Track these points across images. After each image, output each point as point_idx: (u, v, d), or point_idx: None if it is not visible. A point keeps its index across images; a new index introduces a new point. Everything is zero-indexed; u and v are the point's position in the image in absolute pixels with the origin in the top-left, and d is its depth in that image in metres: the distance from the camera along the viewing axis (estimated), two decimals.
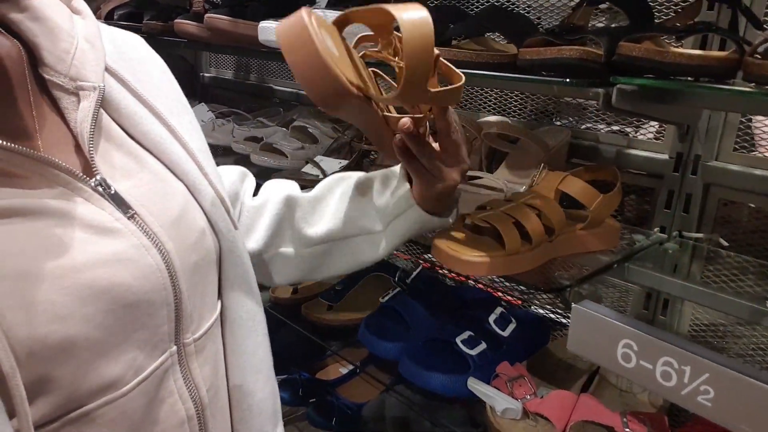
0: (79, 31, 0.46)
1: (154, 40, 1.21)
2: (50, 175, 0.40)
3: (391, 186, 0.66)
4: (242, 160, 1.17)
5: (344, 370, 1.21)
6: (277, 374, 1.19)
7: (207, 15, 0.98)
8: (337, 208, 0.67)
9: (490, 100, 1.13)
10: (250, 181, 0.71)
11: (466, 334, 0.89)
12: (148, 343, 0.43)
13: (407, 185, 0.64)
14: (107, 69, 0.47)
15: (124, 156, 0.46)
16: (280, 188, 0.70)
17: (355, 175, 0.69)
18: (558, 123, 1.04)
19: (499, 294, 1.14)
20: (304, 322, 1.11)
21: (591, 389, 0.89)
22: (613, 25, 0.82)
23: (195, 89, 1.75)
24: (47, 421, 0.38)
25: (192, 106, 1.39)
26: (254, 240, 0.67)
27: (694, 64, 0.56)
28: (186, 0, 1.49)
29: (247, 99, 1.62)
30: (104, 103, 0.46)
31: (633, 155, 0.93)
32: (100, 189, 0.42)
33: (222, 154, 1.25)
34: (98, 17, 1.43)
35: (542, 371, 0.92)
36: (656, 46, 0.61)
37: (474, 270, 0.64)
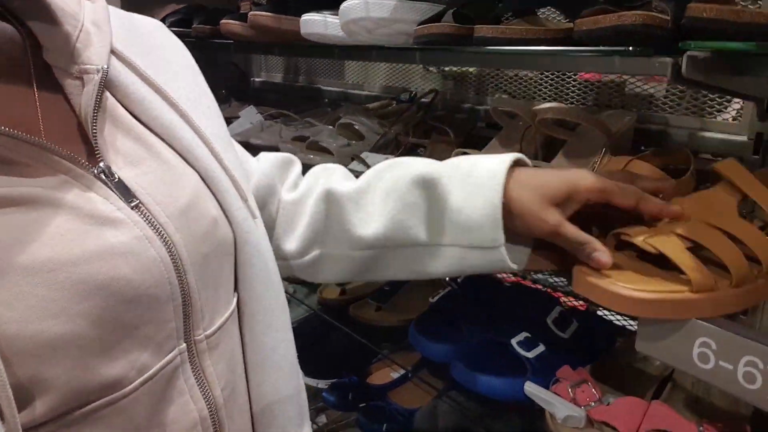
0: (86, 15, 0.45)
1: (203, 44, 1.23)
2: (52, 162, 0.38)
3: (486, 204, 0.53)
4: None
5: (395, 375, 1.17)
6: (326, 378, 1.18)
7: (250, 13, 0.97)
8: (388, 209, 0.57)
9: (545, 89, 1.06)
10: (295, 169, 0.66)
11: (522, 336, 0.83)
12: (152, 340, 0.41)
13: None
14: (114, 52, 0.45)
15: (132, 142, 0.44)
16: (322, 180, 0.63)
17: (415, 165, 0.58)
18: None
19: (560, 296, 1.07)
20: (352, 324, 1.08)
21: (663, 396, 0.81)
22: None
23: (247, 94, 1.77)
24: (45, 421, 0.35)
25: (243, 108, 1.40)
26: (293, 239, 0.63)
27: None
28: (234, 4, 1.51)
29: (297, 101, 1.62)
30: (111, 86, 0.44)
31: (708, 138, 0.85)
32: (104, 177, 0.40)
33: None
34: None
35: (608, 377, 0.85)
36: (729, 5, 0.55)
37: (649, 310, 0.51)
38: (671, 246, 0.53)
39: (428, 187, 0.56)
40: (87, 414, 0.37)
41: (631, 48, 0.55)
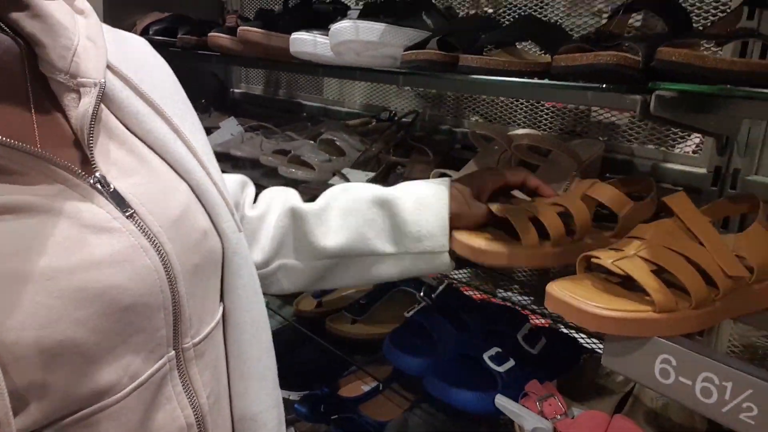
0: (81, 29, 0.46)
1: (186, 54, 1.24)
2: (48, 171, 0.39)
3: (436, 216, 0.67)
4: (270, 173, 1.17)
5: (366, 387, 1.18)
6: (298, 389, 1.19)
7: (240, 27, 0.99)
8: (349, 224, 0.66)
9: (520, 114, 1.11)
10: (250, 189, 0.71)
11: (493, 351, 0.86)
12: (144, 347, 0.42)
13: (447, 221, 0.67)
14: (110, 67, 0.47)
15: (126, 154, 0.45)
16: (283, 198, 0.69)
17: (370, 188, 0.69)
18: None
19: (527, 314, 1.11)
20: (328, 336, 1.09)
21: (625, 410, 0.85)
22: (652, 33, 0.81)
23: (225, 105, 1.78)
24: (39, 427, 0.36)
25: (222, 119, 1.41)
26: (258, 251, 0.66)
27: (736, 70, 0.54)
28: (219, 16, 1.52)
29: (276, 114, 1.64)
30: (107, 100, 0.45)
31: (669, 169, 0.91)
32: (99, 186, 0.41)
33: (250, 166, 1.26)
34: (134, 32, 1.47)
35: (573, 391, 0.89)
36: (695, 52, 0.60)
37: (615, 328, 0.55)
38: (637, 268, 0.58)
39: (384, 206, 0.67)
40: (80, 419, 0.38)
41: (604, 85, 0.59)
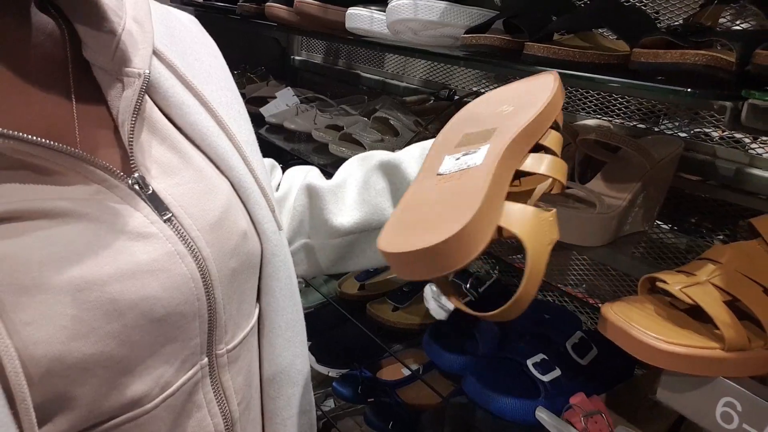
0: (128, 10, 0.43)
1: (247, 22, 1.21)
2: (86, 171, 0.37)
3: None
4: (321, 148, 1.15)
5: (407, 372, 1.17)
6: (336, 367, 1.18)
7: (297, 0, 0.96)
8: (363, 196, 0.61)
9: (590, 99, 1.03)
10: (277, 174, 0.68)
11: (539, 357, 0.82)
12: (177, 357, 0.40)
13: None
14: (156, 52, 0.44)
15: (168, 150, 0.43)
16: (301, 177, 0.65)
17: (379, 156, 0.63)
18: (666, 127, 0.93)
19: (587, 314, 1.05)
20: (369, 320, 1.07)
21: None
22: (749, 28, 0.71)
23: (285, 72, 1.76)
24: None
25: (280, 88, 1.39)
26: None
27: None
28: None
29: (334, 84, 1.61)
30: (151, 89, 0.43)
31: (754, 175, 0.81)
32: (137, 188, 0.40)
33: (303, 140, 1.24)
34: None
35: (623, 408, 0.83)
36: None
37: (676, 365, 0.49)
38: (707, 298, 0.51)
39: (392, 172, 0.61)
40: (108, 429, 0.37)
41: (689, 90, 0.52)
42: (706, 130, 0.88)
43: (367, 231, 0.62)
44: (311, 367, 1.22)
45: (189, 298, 0.40)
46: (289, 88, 1.38)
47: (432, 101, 1.23)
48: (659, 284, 0.55)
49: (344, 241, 0.62)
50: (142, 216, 0.39)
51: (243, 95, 1.45)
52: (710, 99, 0.52)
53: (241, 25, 1.27)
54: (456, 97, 1.22)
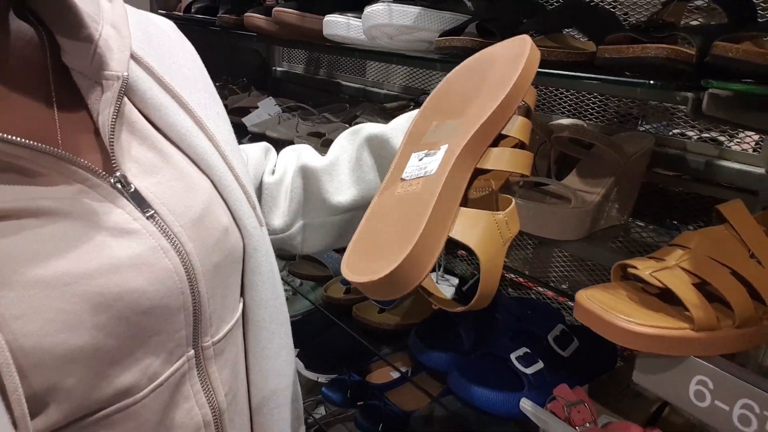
0: (105, 16, 0.45)
1: (226, 33, 1.23)
2: (68, 171, 0.38)
3: None
4: None
5: (395, 374, 1.18)
6: (326, 372, 1.19)
7: (275, 9, 0.97)
8: (356, 173, 0.62)
9: (566, 102, 1.06)
10: (272, 155, 0.70)
11: (522, 351, 0.83)
12: (164, 349, 0.41)
13: None
14: (133, 56, 0.45)
15: (148, 150, 0.44)
16: (295, 158, 0.67)
17: (370, 131, 0.64)
18: (642, 129, 0.96)
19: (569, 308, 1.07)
20: (355, 324, 1.08)
21: (660, 421, 0.81)
22: (709, 23, 0.74)
23: (267, 83, 1.77)
24: (58, 427, 0.36)
25: (261, 99, 1.41)
26: (278, 216, 0.65)
27: None
28: None
29: (316, 94, 1.63)
30: (130, 92, 0.44)
31: (724, 167, 0.84)
32: (120, 186, 0.41)
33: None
34: (178, 10, 1.47)
35: (606, 397, 0.85)
36: (757, 47, 0.54)
37: (649, 346, 0.50)
38: (677, 281, 0.53)
39: (382, 146, 0.62)
40: (99, 420, 0.38)
41: (652, 82, 0.54)
42: (686, 132, 0.91)
43: (364, 207, 0.61)
44: (300, 373, 1.23)
45: (173, 291, 0.41)
46: (270, 98, 1.40)
47: (411, 106, 1.26)
48: (630, 270, 0.57)
49: (344, 218, 0.63)
50: (124, 213, 0.40)
51: (225, 106, 1.46)
52: (671, 90, 0.54)
53: (221, 36, 1.29)
54: None
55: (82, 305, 0.36)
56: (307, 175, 0.64)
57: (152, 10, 1.49)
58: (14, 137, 0.35)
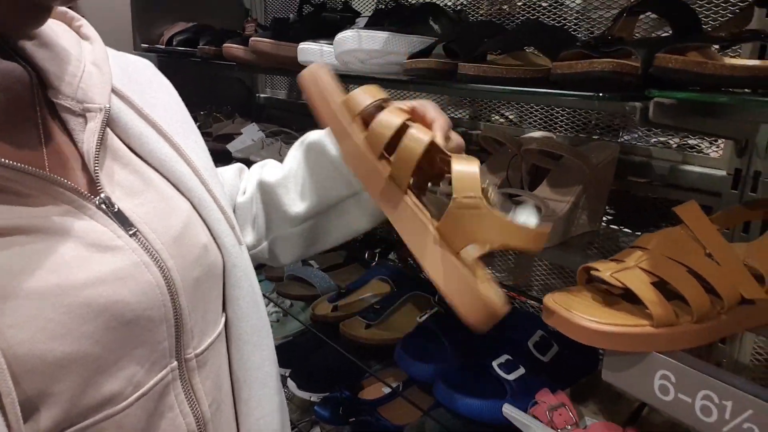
0: (86, 56, 0.48)
1: (207, 63, 1.27)
2: (55, 193, 0.41)
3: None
4: None
5: (387, 390, 1.19)
6: (318, 391, 1.20)
7: (251, 38, 1.01)
8: (307, 181, 0.64)
9: (535, 116, 1.09)
10: (245, 176, 0.72)
11: (503, 358, 0.85)
12: (147, 359, 0.44)
13: None
14: (114, 91, 0.49)
15: (130, 174, 0.48)
16: (257, 175, 0.69)
17: (311, 138, 0.66)
18: (623, 139, 0.99)
19: None
20: (344, 341, 1.10)
21: (639, 421, 0.83)
22: (654, 35, 0.78)
23: (251, 110, 1.81)
24: None
25: (245, 125, 1.44)
26: (250, 233, 0.68)
27: (737, 75, 0.52)
28: (241, 25, 1.55)
29: (299, 118, 1.66)
30: (112, 123, 0.48)
31: (688, 171, 0.87)
32: (104, 207, 0.43)
33: None
34: (160, 43, 1.50)
35: (588, 400, 0.87)
36: (704, 57, 0.57)
37: (612, 343, 0.53)
38: (636, 280, 0.56)
39: (323, 151, 0.63)
40: (86, 427, 0.40)
41: (600, 94, 0.57)
42: (669, 140, 0.94)
43: (321, 213, 0.65)
44: (293, 394, 1.24)
45: (155, 303, 0.44)
46: (254, 123, 1.43)
47: None
48: (593, 272, 0.60)
49: (306, 226, 0.66)
50: (109, 231, 0.43)
51: (210, 134, 1.50)
52: (618, 101, 0.58)
53: (201, 67, 1.32)
54: None
55: (70, 315, 0.38)
56: (265, 191, 0.67)
57: (135, 44, 1.54)
58: (5, 160, 0.38)
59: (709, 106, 0.62)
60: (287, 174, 0.66)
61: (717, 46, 0.61)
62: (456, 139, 0.59)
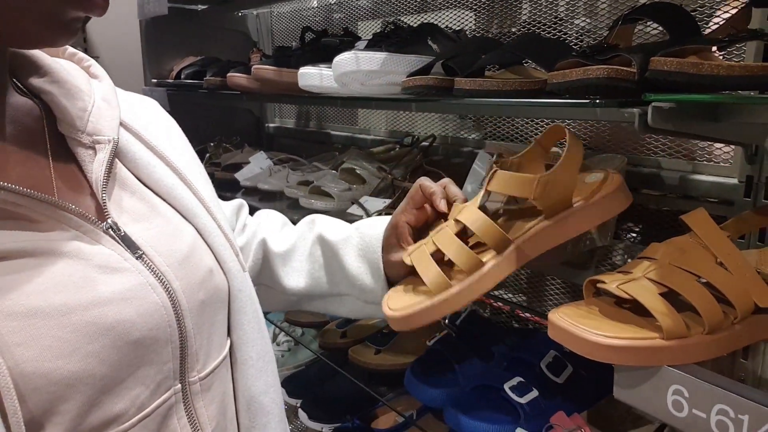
0: (96, 92, 0.51)
1: (213, 94, 1.29)
2: (64, 219, 0.42)
3: (371, 266, 0.68)
4: (294, 204, 1.19)
5: (401, 419, 1.16)
6: (330, 422, 1.17)
7: (254, 66, 1.02)
8: (305, 268, 0.71)
9: (540, 132, 1.08)
10: (243, 214, 0.76)
11: (515, 380, 0.82)
12: (152, 380, 0.44)
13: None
14: (122, 124, 0.51)
15: (137, 202, 0.49)
16: (263, 229, 0.74)
17: (326, 226, 0.72)
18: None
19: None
20: (354, 368, 1.08)
21: None
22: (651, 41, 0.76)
23: (261, 139, 1.83)
24: None
25: (253, 154, 1.45)
26: None
27: (736, 75, 0.51)
28: (248, 57, 1.58)
29: (308, 146, 1.67)
30: (120, 154, 0.50)
31: (699, 181, 0.85)
32: (111, 232, 0.44)
33: (276, 199, 1.28)
34: (170, 78, 1.53)
35: (606, 423, 0.83)
36: (702, 60, 0.56)
37: (621, 358, 0.51)
38: (643, 291, 0.54)
39: (333, 253, 0.70)
40: None
41: (597, 101, 0.56)
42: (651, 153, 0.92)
43: (310, 296, 0.71)
44: (304, 425, 1.21)
45: (161, 324, 0.44)
46: (261, 152, 1.44)
47: (397, 149, 1.29)
48: (600, 285, 0.57)
49: (293, 298, 0.72)
50: (115, 254, 0.44)
51: (218, 164, 1.51)
52: (615, 107, 0.56)
53: (210, 99, 1.35)
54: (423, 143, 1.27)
55: (76, 334, 0.39)
56: (267, 252, 0.72)
57: (146, 79, 1.57)
58: (16, 186, 0.39)
59: (711, 110, 0.60)
60: (290, 250, 0.72)
61: (716, 49, 0.60)
62: (457, 193, 0.67)
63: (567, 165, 0.60)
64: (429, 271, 0.59)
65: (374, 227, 0.70)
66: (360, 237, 0.69)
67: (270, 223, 0.75)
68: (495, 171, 0.62)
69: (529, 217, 0.64)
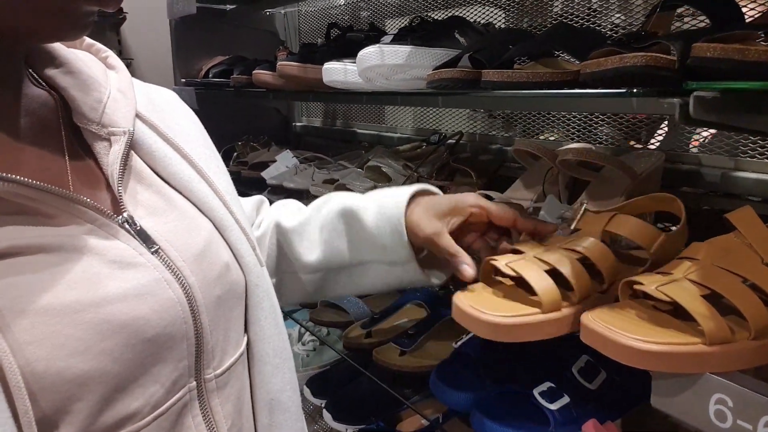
0: (112, 83, 0.50)
1: (240, 92, 1.28)
2: (79, 212, 0.41)
3: (393, 228, 0.65)
4: None
5: (425, 422, 1.13)
6: (355, 423, 1.15)
7: (279, 63, 1.02)
8: (322, 237, 0.68)
9: (573, 126, 1.04)
10: (263, 209, 0.74)
11: (545, 386, 0.79)
12: (167, 377, 0.43)
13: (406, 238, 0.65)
14: (139, 116, 0.50)
15: (153, 195, 0.48)
16: (275, 215, 0.71)
17: (342, 199, 0.70)
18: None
19: None
20: (378, 369, 1.06)
21: None
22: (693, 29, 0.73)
23: (288, 138, 1.83)
24: None
25: (280, 153, 1.44)
26: None
27: None
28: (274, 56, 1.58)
29: (335, 144, 1.66)
30: (136, 146, 0.48)
31: (741, 178, 0.80)
32: (127, 226, 0.43)
33: (302, 197, 1.27)
34: (198, 77, 1.54)
35: (641, 431, 0.79)
36: (747, 46, 0.52)
37: (659, 364, 0.49)
38: (684, 293, 0.50)
39: (350, 218, 0.68)
40: None
41: (634, 90, 0.53)
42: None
43: (331, 269, 0.69)
44: (328, 425, 1.20)
45: (176, 320, 0.43)
46: (288, 150, 1.44)
47: (424, 146, 1.27)
48: (637, 286, 0.54)
49: (315, 276, 0.69)
50: (131, 249, 0.43)
51: (246, 163, 1.51)
52: (654, 96, 0.53)
53: (237, 98, 1.35)
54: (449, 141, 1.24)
55: (89, 331, 0.38)
56: (281, 232, 0.70)
57: (176, 79, 1.58)
58: (30, 180, 0.38)
59: (758, 100, 0.56)
60: (304, 222, 0.70)
61: (762, 35, 0.56)
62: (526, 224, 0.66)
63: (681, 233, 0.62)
64: (546, 287, 0.56)
65: (396, 195, 0.69)
66: (380, 202, 0.68)
67: (285, 208, 0.74)
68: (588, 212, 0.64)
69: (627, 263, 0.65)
